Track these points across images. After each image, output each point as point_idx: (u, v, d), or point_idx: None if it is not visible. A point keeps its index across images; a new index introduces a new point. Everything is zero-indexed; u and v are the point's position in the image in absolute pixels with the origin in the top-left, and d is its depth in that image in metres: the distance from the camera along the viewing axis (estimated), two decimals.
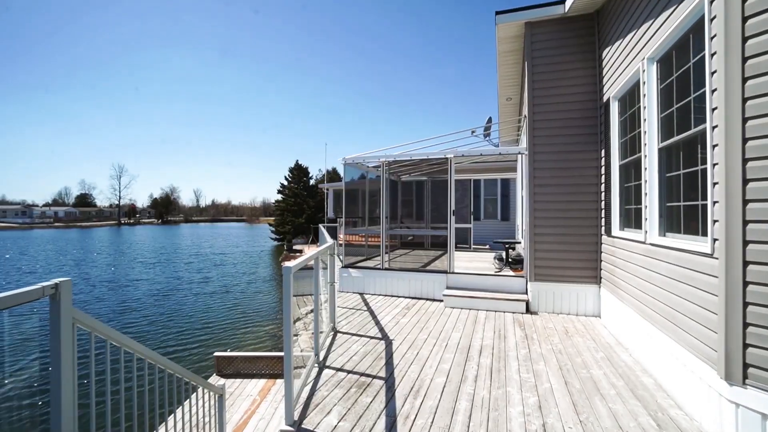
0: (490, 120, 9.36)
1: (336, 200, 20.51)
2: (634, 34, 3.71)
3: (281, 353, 7.07)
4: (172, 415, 2.65)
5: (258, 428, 4.63)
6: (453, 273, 6.19)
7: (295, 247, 22.05)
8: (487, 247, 10.90)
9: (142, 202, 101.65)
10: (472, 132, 8.84)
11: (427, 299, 6.25)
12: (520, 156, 8.32)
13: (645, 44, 3.42)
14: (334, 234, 12.63)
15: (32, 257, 26.44)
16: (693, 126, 2.73)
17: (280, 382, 6.36)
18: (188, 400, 2.88)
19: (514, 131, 8.75)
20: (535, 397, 2.99)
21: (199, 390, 3.15)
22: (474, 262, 7.76)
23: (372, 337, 4.41)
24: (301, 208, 33.90)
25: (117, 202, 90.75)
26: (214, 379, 6.45)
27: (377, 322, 5.01)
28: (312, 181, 37.62)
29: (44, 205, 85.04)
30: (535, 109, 5.47)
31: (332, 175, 35.53)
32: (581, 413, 2.72)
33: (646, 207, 3.46)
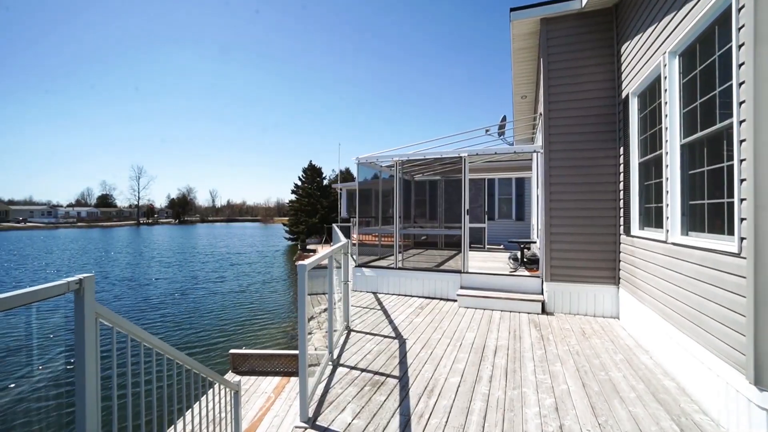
0: (504, 119, 9.25)
1: (349, 200, 20.58)
2: (655, 27, 3.60)
3: (296, 351, 7.13)
4: (190, 410, 2.70)
5: (273, 425, 4.67)
6: (467, 273, 6.14)
7: (308, 247, 22.22)
8: (502, 247, 10.77)
9: (160, 202, 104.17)
10: (486, 131, 8.74)
11: (440, 299, 6.22)
12: (535, 154, 8.19)
13: (666, 38, 3.32)
14: (347, 233, 12.67)
15: (57, 256, 27.39)
16: (718, 121, 2.64)
17: (294, 379, 6.42)
18: (205, 395, 2.94)
19: (529, 130, 8.62)
20: (552, 398, 2.93)
21: (216, 386, 3.20)
22: (488, 262, 7.68)
23: (386, 336, 4.41)
24: (314, 208, 34.15)
25: (136, 203, 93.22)
26: (230, 376, 6.55)
27: (391, 322, 5.00)
28: (325, 182, 37.87)
29: (68, 206, 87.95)
30: (551, 106, 5.37)
31: (345, 176, 35.70)
32: (600, 416, 2.66)
33: (667, 205, 3.36)
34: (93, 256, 26.77)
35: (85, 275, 1.66)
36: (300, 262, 2.55)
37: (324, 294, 9.26)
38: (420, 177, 9.96)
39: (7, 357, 8.33)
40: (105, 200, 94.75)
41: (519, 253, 6.80)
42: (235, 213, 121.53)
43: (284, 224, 37.79)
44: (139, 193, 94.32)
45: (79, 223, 73.88)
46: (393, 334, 4.48)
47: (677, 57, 3.24)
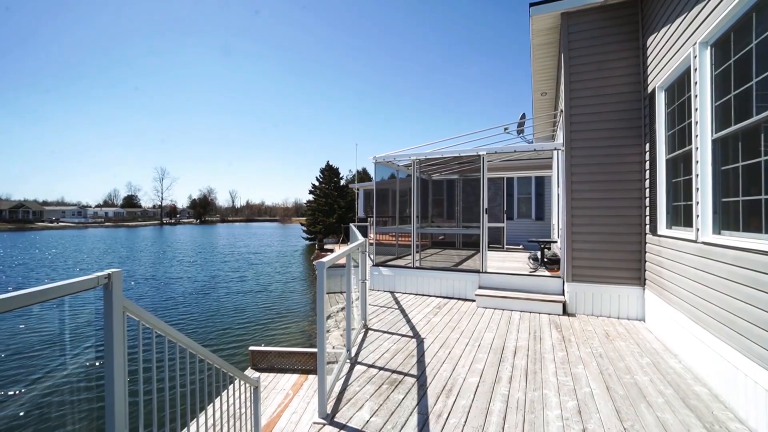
0: (523, 116, 9.09)
1: (366, 200, 20.64)
2: (684, 17, 3.46)
3: (314, 349, 7.20)
4: (211, 404, 2.75)
5: (291, 421, 4.73)
6: (486, 273, 6.05)
7: (326, 247, 22.41)
8: (521, 247, 10.57)
9: (182, 202, 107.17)
10: (505, 129, 8.61)
11: (458, 299, 6.15)
12: (555, 152, 8.01)
13: (697, 28, 3.18)
14: (364, 233, 12.72)
15: (86, 254, 28.55)
16: (755, 113, 2.51)
17: (312, 377, 6.48)
18: (226, 390, 2.99)
19: (549, 127, 8.44)
20: (574, 401, 2.85)
21: (236, 381, 3.26)
22: (507, 262, 7.56)
23: (403, 335, 4.39)
24: (332, 208, 34.45)
25: (159, 203, 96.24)
26: (249, 373, 6.68)
27: (408, 321, 4.99)
28: (342, 182, 38.13)
29: (96, 206, 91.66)
30: (573, 102, 5.24)
31: (362, 176, 35.83)
32: (625, 420, 2.57)
33: (697, 203, 3.21)
34: (118, 255, 27.76)
35: (114, 270, 1.72)
36: (319, 260, 2.57)
37: (342, 293, 9.32)
38: (437, 176, 9.90)
39: (45, 349, 8.73)
40: (130, 201, 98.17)
41: (539, 253, 6.66)
42: (254, 213, 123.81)
43: (302, 224, 38.24)
44: (162, 193, 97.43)
45: (107, 223, 76.87)
46: (411, 333, 4.46)
47: (709, 48, 3.10)
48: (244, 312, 11.71)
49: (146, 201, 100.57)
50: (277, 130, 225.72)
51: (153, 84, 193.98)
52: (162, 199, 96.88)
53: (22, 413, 5.82)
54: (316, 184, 36.85)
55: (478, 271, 6.10)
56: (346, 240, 26.90)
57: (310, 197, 36.76)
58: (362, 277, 4.64)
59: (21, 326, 10.01)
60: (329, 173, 36.97)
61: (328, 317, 9.98)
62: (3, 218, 65.86)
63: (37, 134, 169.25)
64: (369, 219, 13.62)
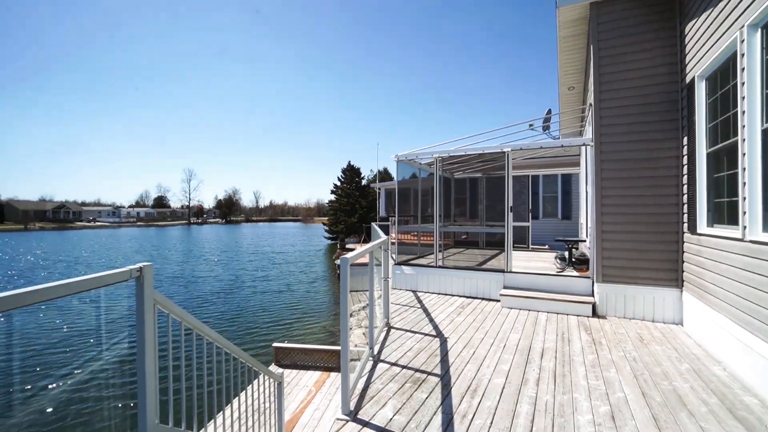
0: (549, 112, 8.82)
1: (387, 199, 20.61)
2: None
3: (336, 347, 7.24)
4: (237, 397, 2.79)
5: (314, 417, 4.76)
6: (511, 272, 5.90)
7: (348, 246, 22.55)
8: (546, 247, 10.26)
9: (208, 203, 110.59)
10: (530, 125, 8.38)
11: (482, 299, 6.03)
12: (584, 148, 7.73)
13: (746, 9, 2.96)
14: (386, 232, 12.69)
15: (118, 251, 29.94)
16: None
17: (334, 374, 6.52)
18: (251, 385, 3.03)
19: (576, 123, 8.15)
20: (607, 406, 2.72)
21: (261, 376, 3.30)
22: (532, 262, 7.35)
23: (426, 334, 4.33)
24: (353, 207, 34.66)
25: (187, 204, 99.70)
26: (273, 369, 6.78)
27: (431, 320, 4.92)
28: (364, 181, 38.29)
29: (129, 206, 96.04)
30: (602, 96, 5.03)
31: (383, 175, 35.87)
32: (664, 429, 2.42)
33: (744, 199, 3.00)
34: (148, 253, 28.93)
35: (145, 264, 1.77)
36: (343, 256, 2.55)
37: (364, 291, 9.32)
38: (460, 174, 9.75)
39: (80, 338, 9.19)
40: (160, 201, 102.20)
41: (566, 253, 6.44)
42: (277, 213, 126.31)
43: (324, 224, 38.67)
44: (189, 194, 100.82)
45: (139, 222, 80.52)
46: (434, 332, 4.40)
47: (759, 30, 2.88)
48: (268, 310, 11.93)
49: (175, 201, 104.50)
50: (301, 131, 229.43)
51: (181, 89, 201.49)
52: (189, 199, 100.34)
53: (58, 406, 6.14)
54: (338, 184, 37.17)
55: (502, 271, 5.95)
56: (367, 239, 26.95)
57: (332, 197, 37.11)
58: (384, 275, 4.62)
59: (58, 321, 10.57)
60: (351, 173, 37.20)
61: (351, 315, 10.00)
62: (47, 218, 70.18)
63: (77, 137, 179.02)
64: (391, 218, 13.59)
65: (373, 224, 10.75)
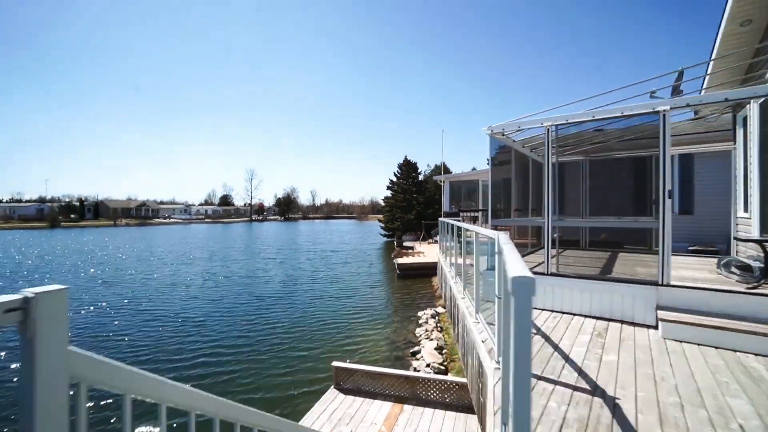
0: (681, 73, 6.67)
1: (452, 193, 18.88)
2: None
3: (408, 372, 5.86)
4: None
5: None
6: (668, 286, 4.09)
7: (405, 244, 21.19)
8: (717, 249, 7.70)
9: (268, 201, 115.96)
10: (652, 94, 6.36)
11: (620, 321, 4.29)
12: (754, 109, 5.51)
13: None
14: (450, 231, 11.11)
15: (189, 244, 31.54)
16: None
17: (409, 409, 5.17)
18: None
19: (737, 75, 5.92)
20: None
21: None
22: (677, 270, 5.37)
23: (574, 388, 2.77)
24: (410, 204, 33.23)
25: (249, 202, 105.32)
26: (332, 393, 5.61)
27: (565, 357, 3.33)
28: (420, 177, 36.71)
29: (199, 204, 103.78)
30: None
31: (438, 171, 33.98)
32: None
33: None
34: (211, 249, 30.05)
35: (43, 289, 0.52)
36: (521, 276, 1.14)
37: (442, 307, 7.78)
38: (566, 157, 7.77)
39: None
40: (225, 200, 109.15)
41: (754, 261, 4.42)
42: (332, 210, 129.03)
43: (380, 221, 37.73)
44: (251, 193, 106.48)
45: (206, 219, 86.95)
46: (585, 385, 2.82)
47: None
48: (326, 316, 10.94)
49: (238, 200, 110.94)
50: (355, 127, 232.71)
51: (241, 92, 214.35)
52: (251, 197, 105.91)
53: None
54: (394, 179, 35.94)
55: (655, 284, 4.16)
56: (426, 237, 25.40)
57: (388, 193, 35.99)
58: (498, 291, 3.11)
59: None
60: (407, 168, 35.76)
61: (418, 326, 8.30)
62: (131, 215, 78.78)
63: (157, 140, 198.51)
64: (462, 213, 11.96)
65: (444, 219, 9.24)
